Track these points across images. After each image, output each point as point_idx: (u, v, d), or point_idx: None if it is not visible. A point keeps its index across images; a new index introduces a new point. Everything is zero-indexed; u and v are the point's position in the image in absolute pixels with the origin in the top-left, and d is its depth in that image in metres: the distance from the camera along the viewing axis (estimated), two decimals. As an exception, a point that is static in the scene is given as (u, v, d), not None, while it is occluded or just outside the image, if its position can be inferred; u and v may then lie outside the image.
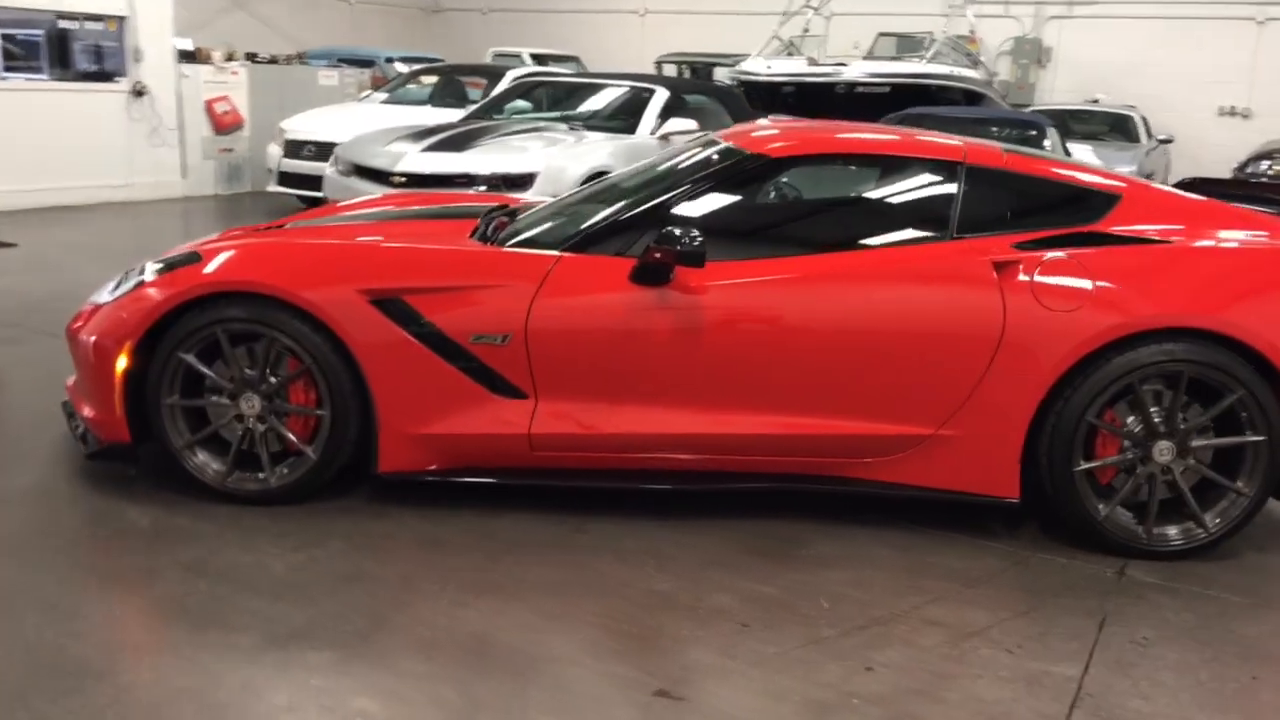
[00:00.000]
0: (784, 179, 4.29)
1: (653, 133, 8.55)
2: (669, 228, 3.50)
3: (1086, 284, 3.56)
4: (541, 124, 8.65)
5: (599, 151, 7.95)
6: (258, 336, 3.69)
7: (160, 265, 3.84)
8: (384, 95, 12.08)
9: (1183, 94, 15.56)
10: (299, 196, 10.86)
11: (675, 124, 8.58)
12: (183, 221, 10.57)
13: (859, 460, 3.72)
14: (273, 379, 3.72)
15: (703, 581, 3.37)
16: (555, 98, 9.98)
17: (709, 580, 3.37)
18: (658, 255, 3.50)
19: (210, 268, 3.72)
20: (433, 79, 12.40)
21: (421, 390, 3.68)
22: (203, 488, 3.77)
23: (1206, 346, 3.48)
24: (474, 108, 9.69)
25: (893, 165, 3.95)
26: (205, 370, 3.72)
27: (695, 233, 3.44)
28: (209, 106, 12.06)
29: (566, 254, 3.73)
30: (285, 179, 10.57)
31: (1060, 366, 3.53)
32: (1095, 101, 15.32)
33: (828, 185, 4.03)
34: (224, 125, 12.25)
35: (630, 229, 3.77)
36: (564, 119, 8.98)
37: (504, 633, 3.03)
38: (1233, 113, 15.73)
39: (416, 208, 4.92)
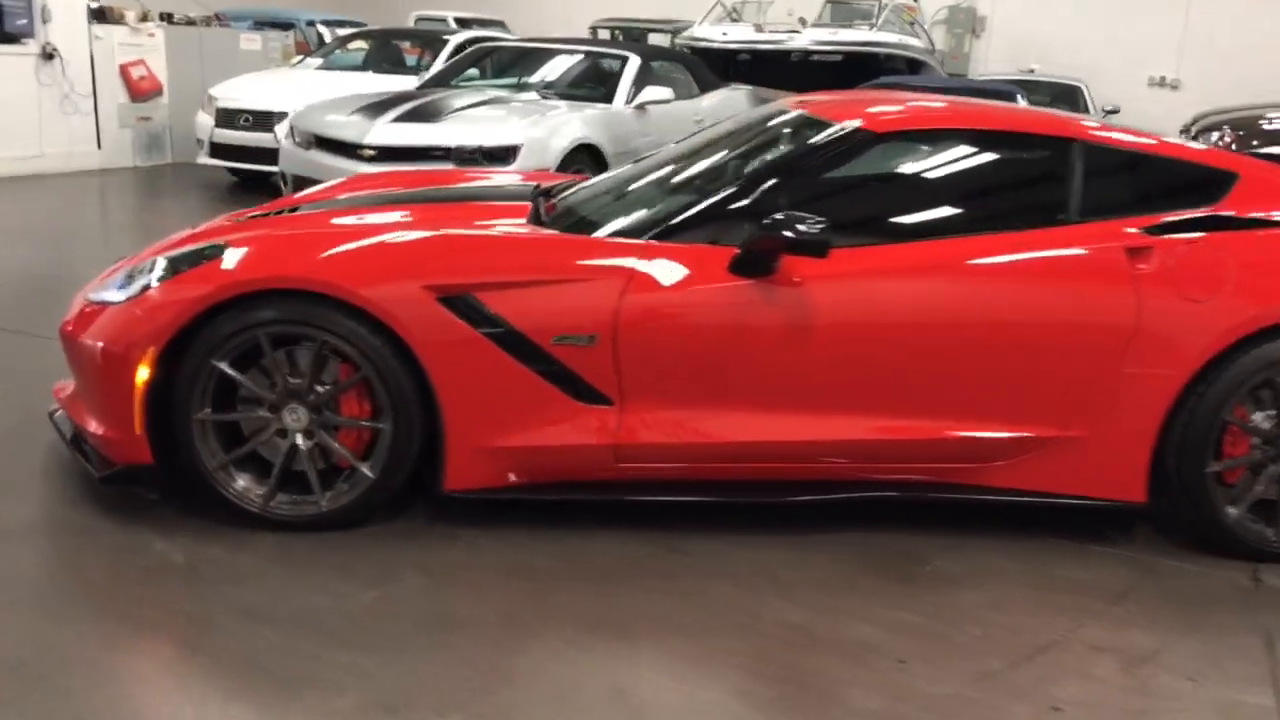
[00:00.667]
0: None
1: (628, 102, 8.11)
2: (784, 214, 3.12)
3: (1225, 271, 3.30)
4: (507, 93, 8.12)
5: (579, 123, 7.49)
6: (297, 340, 3.21)
7: (179, 258, 3.32)
8: (318, 61, 11.34)
9: (1114, 65, 15.66)
10: (231, 170, 10.17)
11: (651, 93, 8.15)
12: (100, 197, 9.75)
13: (975, 465, 3.42)
14: (319, 388, 3.24)
15: (834, 609, 3.03)
16: (507, 65, 9.44)
17: (840, 608, 3.04)
18: (773, 244, 3.12)
19: (250, 261, 3.22)
20: (364, 44, 11.71)
21: (495, 398, 3.25)
22: (238, 514, 3.28)
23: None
24: (429, 75, 9.08)
25: (1004, 142, 3.62)
26: (243, 380, 3.22)
27: (816, 219, 3.07)
28: (124, 71, 11.16)
29: (655, 243, 3.32)
30: (218, 150, 9.82)
31: (1199, 359, 3.27)
32: (1031, 72, 15.31)
33: (905, 164, 3.67)
34: (141, 91, 11.36)
35: (723, 214, 3.37)
36: (525, 88, 8.47)
37: (645, 683, 2.65)
38: (1162, 83, 15.92)
39: (434, 188, 4.43)
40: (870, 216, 3.49)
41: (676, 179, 3.78)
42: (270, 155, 9.54)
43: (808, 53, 11.72)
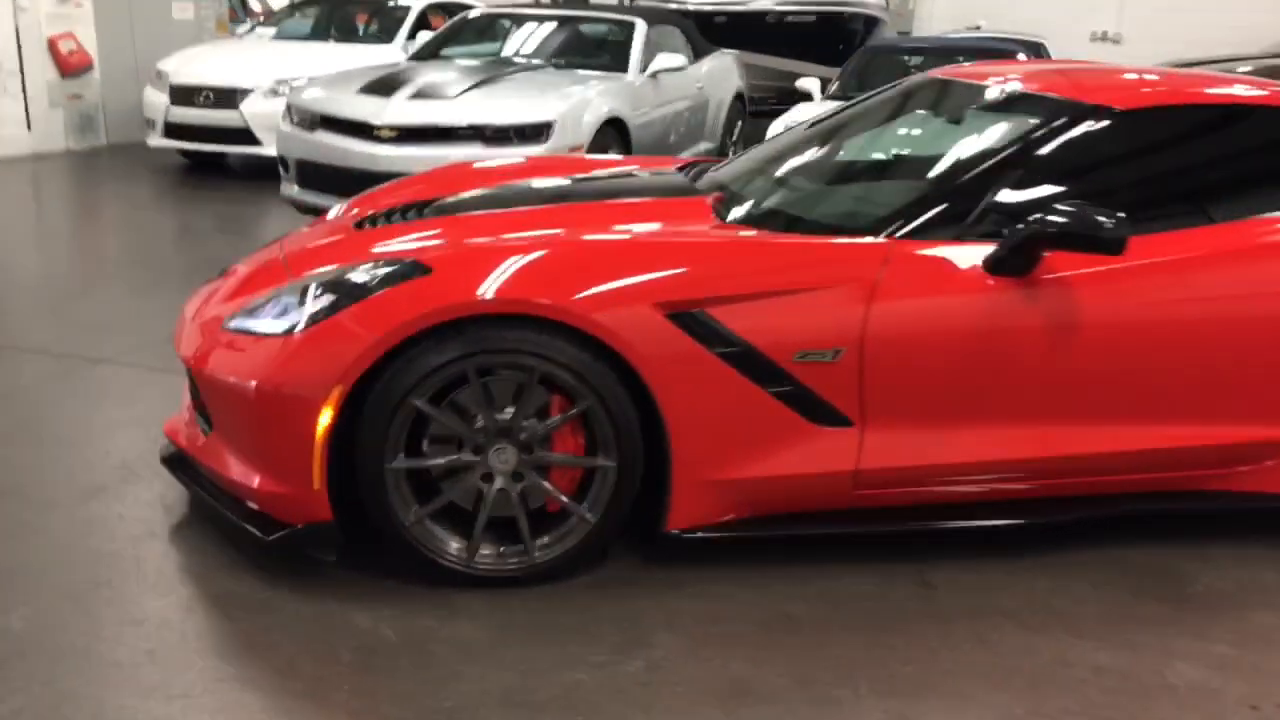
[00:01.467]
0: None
1: (642, 70, 7.65)
2: (1073, 205, 2.78)
3: None
4: (520, 64, 7.57)
5: (609, 96, 7.00)
6: (489, 370, 2.77)
7: (355, 283, 2.83)
8: (271, 31, 10.54)
9: (1057, 19, 15.66)
10: (182, 152, 9.39)
11: (664, 60, 7.70)
12: (35, 185, 8.87)
13: (1222, 471, 3.16)
14: (524, 423, 2.80)
15: (1137, 646, 2.74)
16: (495, 32, 8.82)
17: (1142, 643, 2.75)
18: (1058, 242, 2.78)
19: (462, 283, 2.75)
20: (312, 11, 10.93)
21: (726, 425, 2.86)
22: (435, 573, 2.84)
23: None
24: (418, 46, 8.43)
25: (1257, 117, 3.31)
26: (448, 420, 2.77)
27: (1110, 212, 2.74)
28: (52, 45, 10.21)
29: (899, 242, 2.95)
30: (174, 131, 9.04)
31: None
32: (977, 28, 15.22)
33: (1153, 143, 3.32)
34: (71, 67, 10.42)
35: (966, 208, 3.02)
36: (530, 58, 7.91)
37: (1010, 758, 2.31)
38: (1104, 38, 16.00)
39: (559, 185, 3.94)
40: (1132, 202, 3.14)
41: (880, 167, 3.42)
42: (235, 135, 8.85)
43: (782, 14, 11.36)
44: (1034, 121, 3.16)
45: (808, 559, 3.05)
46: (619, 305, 2.75)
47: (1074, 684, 2.57)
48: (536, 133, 6.39)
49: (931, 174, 3.19)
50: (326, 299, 2.80)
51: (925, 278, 2.90)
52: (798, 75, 14.45)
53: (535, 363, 2.74)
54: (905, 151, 3.50)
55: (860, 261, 2.89)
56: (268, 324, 2.87)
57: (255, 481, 2.84)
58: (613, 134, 7.01)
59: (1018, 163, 3.06)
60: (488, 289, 2.72)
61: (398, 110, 6.46)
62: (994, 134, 3.22)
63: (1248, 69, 10.74)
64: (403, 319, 2.67)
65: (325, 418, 2.71)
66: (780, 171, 3.62)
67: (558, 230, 3.14)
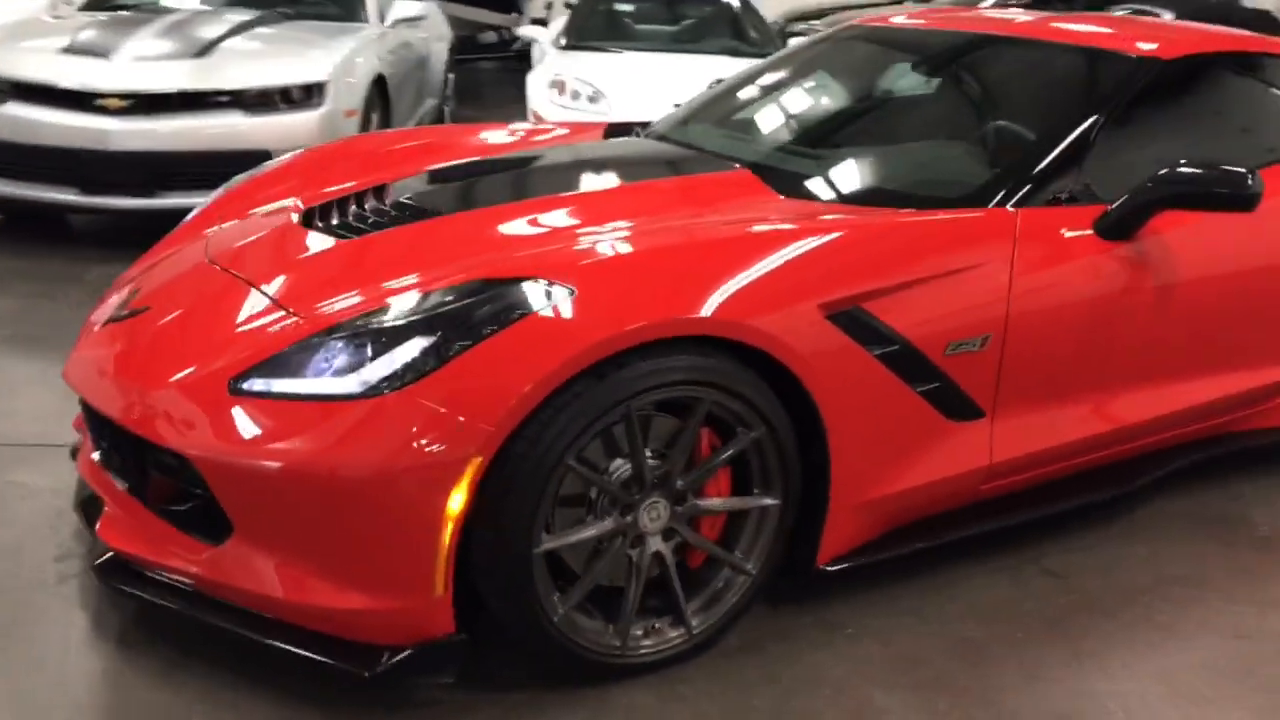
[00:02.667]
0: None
1: (381, 18, 6.77)
2: (1194, 162, 2.64)
3: None
4: (238, 13, 6.37)
5: (367, 49, 6.10)
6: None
7: (453, 312, 2.12)
8: None
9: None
10: None
11: (404, 8, 6.87)
12: None
13: (1250, 411, 3.25)
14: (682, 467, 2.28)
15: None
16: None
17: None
18: (1186, 200, 2.64)
19: (608, 305, 2.13)
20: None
21: (882, 435, 2.50)
22: (573, 670, 2.25)
23: None
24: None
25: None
26: (601, 480, 2.18)
27: (1241, 168, 2.63)
28: None
29: (1016, 210, 2.68)
30: None
31: None
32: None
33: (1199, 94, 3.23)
34: None
35: (1061, 169, 2.80)
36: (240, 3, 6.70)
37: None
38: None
39: (538, 159, 3.28)
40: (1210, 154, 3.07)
41: (937, 126, 3.12)
42: None
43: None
44: (1101, 75, 2.99)
45: (924, 567, 2.74)
46: (786, 312, 2.27)
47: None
48: (307, 95, 5.43)
49: (1023, 133, 2.94)
50: (422, 340, 2.07)
51: (1050, 247, 2.68)
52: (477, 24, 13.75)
53: (704, 393, 2.20)
54: (957, 108, 3.23)
55: (997, 236, 2.60)
56: (324, 383, 2.09)
57: (340, 600, 2.08)
58: (377, 96, 6.15)
59: (1109, 119, 2.87)
60: (656, 309, 2.13)
61: (126, 73, 5.22)
62: (1065, 88, 3.02)
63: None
64: (563, 356, 2.03)
65: (458, 500, 2.01)
66: (796, 134, 3.23)
67: (630, 225, 2.56)
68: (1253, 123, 3.25)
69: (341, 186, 3.02)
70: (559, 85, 6.85)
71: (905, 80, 3.38)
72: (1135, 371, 2.88)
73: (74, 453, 2.82)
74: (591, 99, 6.74)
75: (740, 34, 8.41)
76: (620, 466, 2.21)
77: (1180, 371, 2.97)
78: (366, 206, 2.81)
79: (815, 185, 2.85)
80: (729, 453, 2.29)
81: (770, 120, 3.39)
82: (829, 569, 2.50)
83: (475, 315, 2.08)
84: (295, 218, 2.81)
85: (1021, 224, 2.63)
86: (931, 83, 3.34)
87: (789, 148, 3.17)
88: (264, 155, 5.27)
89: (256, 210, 2.97)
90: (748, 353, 2.23)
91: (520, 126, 3.87)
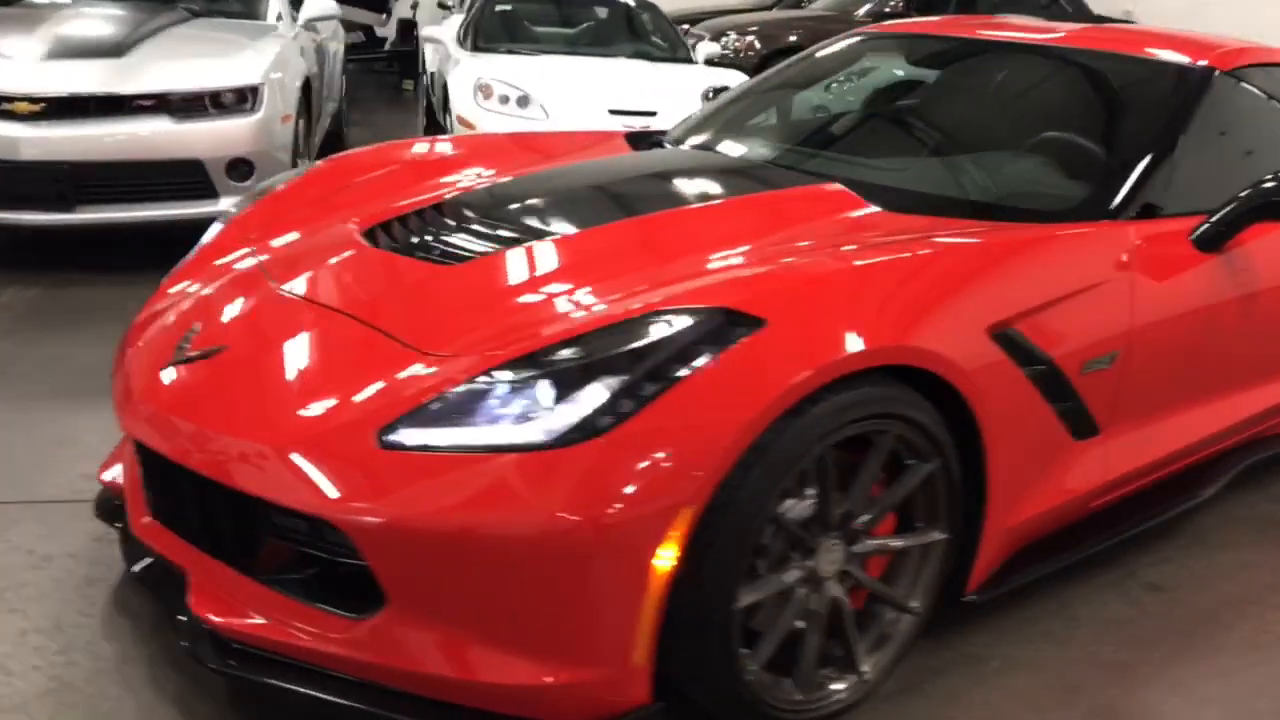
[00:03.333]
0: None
1: (295, 20, 6.33)
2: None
3: None
4: (148, 8, 5.79)
5: (294, 50, 5.68)
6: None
7: (668, 344, 1.90)
8: None
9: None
10: None
11: (319, 5, 6.45)
12: None
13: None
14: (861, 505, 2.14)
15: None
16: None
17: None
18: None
19: (806, 333, 1.96)
20: None
21: (1028, 459, 2.42)
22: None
23: None
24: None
25: None
26: (797, 528, 2.01)
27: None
28: None
29: (1131, 224, 2.64)
30: None
31: None
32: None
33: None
34: None
35: (1160, 180, 2.77)
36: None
37: None
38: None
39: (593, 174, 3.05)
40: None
41: (1014, 136, 3.05)
42: None
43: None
44: (1160, 84, 2.98)
45: (1033, 589, 2.66)
46: (961, 335, 2.16)
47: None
48: (240, 100, 5.00)
49: (1109, 144, 2.89)
50: (609, 381, 1.85)
51: (1160, 260, 2.64)
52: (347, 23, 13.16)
53: (888, 425, 2.06)
54: (1027, 119, 3.15)
55: (1116, 250, 2.55)
56: (498, 432, 1.84)
57: (519, 675, 1.84)
58: (302, 103, 5.75)
59: (1183, 131, 2.86)
60: (858, 339, 1.97)
61: (38, 75, 4.70)
62: (1141, 100, 2.99)
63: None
64: (771, 393, 1.85)
65: (666, 557, 1.81)
66: (874, 146, 3.13)
67: (767, 247, 2.38)
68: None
69: (395, 204, 2.74)
70: (484, 89, 6.58)
71: (962, 90, 3.31)
72: (1221, 380, 2.91)
73: (104, 510, 2.47)
74: (520, 102, 6.50)
75: (646, 37, 8.31)
76: (791, 508, 2.04)
77: (1254, 377, 3.01)
78: (446, 226, 2.55)
79: (914, 200, 2.73)
80: (908, 486, 2.15)
81: (838, 131, 3.26)
82: (975, 599, 2.39)
83: (668, 352, 1.87)
84: (361, 238, 2.52)
85: (1135, 237, 2.59)
86: (992, 92, 3.28)
87: (870, 161, 3.04)
88: (195, 165, 4.87)
89: (291, 231, 2.67)
90: (919, 379, 2.10)
91: (529, 136, 3.65)
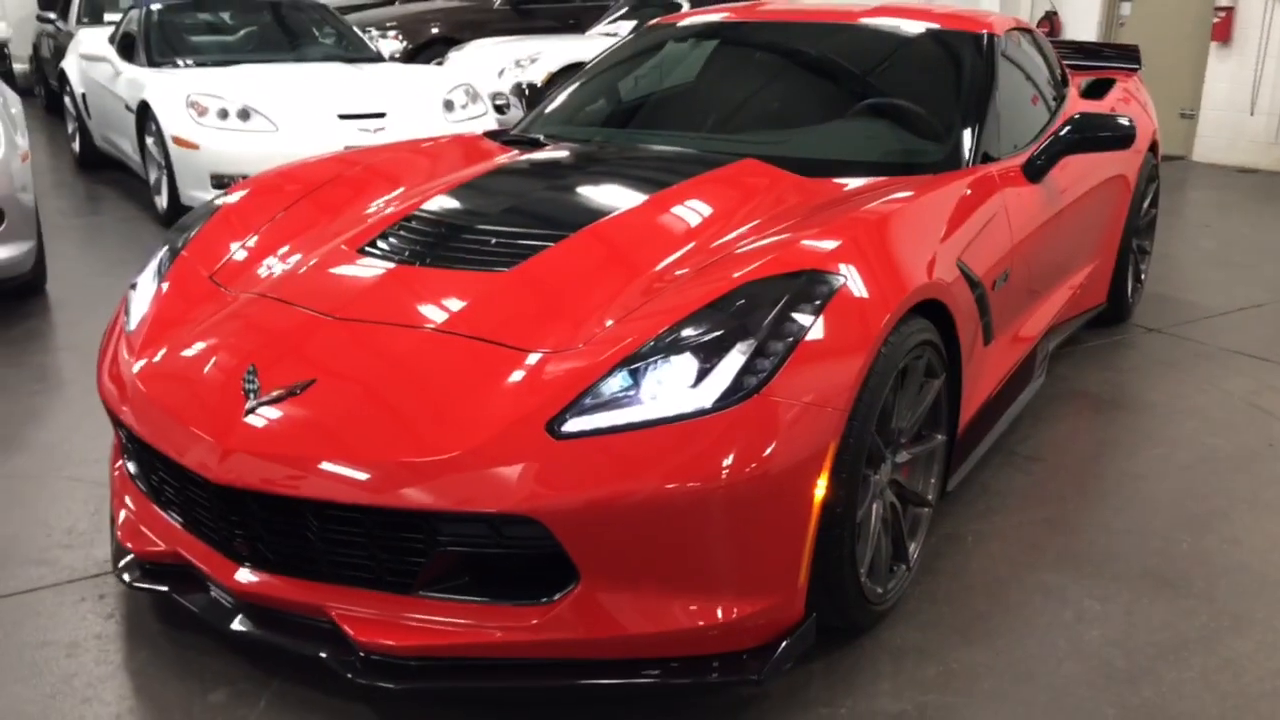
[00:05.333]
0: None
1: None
2: (1101, 116, 3.37)
3: None
4: None
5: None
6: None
7: (776, 305, 2.17)
8: None
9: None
10: None
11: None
12: None
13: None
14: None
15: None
16: None
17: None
18: (1092, 144, 3.36)
19: (881, 276, 2.33)
20: None
21: (974, 366, 2.91)
22: (846, 632, 2.45)
23: None
24: None
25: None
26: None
27: (1122, 115, 3.40)
28: None
29: (990, 165, 3.23)
30: None
31: None
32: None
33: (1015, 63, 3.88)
34: None
35: (993, 127, 3.39)
36: None
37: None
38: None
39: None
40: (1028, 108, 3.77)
41: (859, 107, 3.52)
42: None
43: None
44: (967, 52, 3.59)
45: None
46: (950, 270, 2.62)
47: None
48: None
49: (952, 105, 3.42)
50: (742, 346, 2.10)
51: (1013, 194, 3.21)
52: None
53: (924, 351, 2.48)
54: (872, 87, 3.62)
55: (992, 188, 3.10)
56: (660, 405, 2.05)
57: (708, 616, 2.07)
58: None
59: (994, 89, 3.49)
60: (908, 282, 2.38)
61: None
62: (956, 65, 3.56)
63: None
64: (872, 334, 2.21)
65: (821, 487, 2.12)
66: (766, 121, 3.50)
67: (773, 218, 2.71)
68: (1038, 76, 4.08)
69: (369, 214, 2.80)
70: (197, 106, 6.27)
71: (811, 67, 3.76)
72: (1049, 280, 3.58)
73: (149, 576, 2.37)
74: (242, 116, 6.28)
75: (335, 39, 8.20)
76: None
77: (1065, 274, 3.73)
78: (452, 232, 2.66)
79: (825, 167, 3.14)
80: (928, 401, 2.57)
81: (724, 114, 3.61)
82: (950, 488, 2.88)
83: (777, 313, 2.15)
84: (381, 256, 2.58)
85: (996, 176, 3.17)
86: (835, 66, 3.75)
87: (762, 137, 3.42)
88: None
89: (272, 255, 2.68)
90: (927, 309, 2.52)
91: (436, 141, 3.73)
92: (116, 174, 8.25)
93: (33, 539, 2.89)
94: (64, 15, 11.79)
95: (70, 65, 8.62)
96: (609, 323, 2.25)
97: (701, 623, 2.07)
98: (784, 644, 2.15)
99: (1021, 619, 2.53)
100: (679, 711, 2.21)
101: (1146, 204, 4.71)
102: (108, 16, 11.26)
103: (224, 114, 6.26)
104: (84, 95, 8.30)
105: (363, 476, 2.03)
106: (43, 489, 3.17)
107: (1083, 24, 10.28)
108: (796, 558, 2.12)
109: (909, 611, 2.55)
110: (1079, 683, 2.30)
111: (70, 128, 8.93)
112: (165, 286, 2.69)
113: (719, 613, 2.07)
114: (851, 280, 2.26)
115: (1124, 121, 3.33)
